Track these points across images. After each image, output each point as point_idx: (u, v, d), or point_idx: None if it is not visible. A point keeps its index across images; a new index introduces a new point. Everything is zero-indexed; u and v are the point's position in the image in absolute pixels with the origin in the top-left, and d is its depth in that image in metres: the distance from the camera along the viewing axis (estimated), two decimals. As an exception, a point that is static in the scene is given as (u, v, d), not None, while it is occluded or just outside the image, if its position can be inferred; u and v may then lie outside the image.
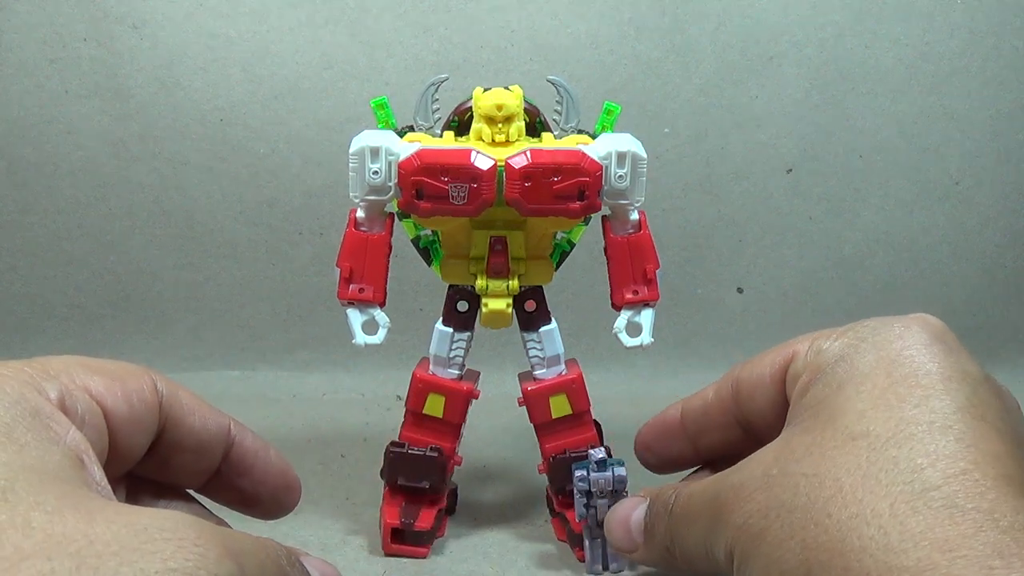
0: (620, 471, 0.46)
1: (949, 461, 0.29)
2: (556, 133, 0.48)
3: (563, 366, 0.49)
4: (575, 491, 0.46)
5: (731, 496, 0.33)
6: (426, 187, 0.45)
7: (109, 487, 0.25)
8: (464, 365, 0.50)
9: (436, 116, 0.48)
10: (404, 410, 0.50)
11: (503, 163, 0.45)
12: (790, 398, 0.37)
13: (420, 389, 0.49)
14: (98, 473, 0.25)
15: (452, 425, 0.49)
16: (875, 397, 0.32)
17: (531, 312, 0.49)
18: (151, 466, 0.31)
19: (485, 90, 0.47)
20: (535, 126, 0.48)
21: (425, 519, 0.49)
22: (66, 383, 0.27)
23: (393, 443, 0.50)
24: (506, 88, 0.47)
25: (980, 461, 0.29)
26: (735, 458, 0.36)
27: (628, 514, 0.41)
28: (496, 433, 0.64)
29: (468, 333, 0.49)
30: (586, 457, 0.46)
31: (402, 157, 0.45)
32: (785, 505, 0.31)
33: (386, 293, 0.48)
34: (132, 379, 0.29)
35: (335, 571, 0.33)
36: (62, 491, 0.23)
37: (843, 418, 0.32)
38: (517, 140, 0.46)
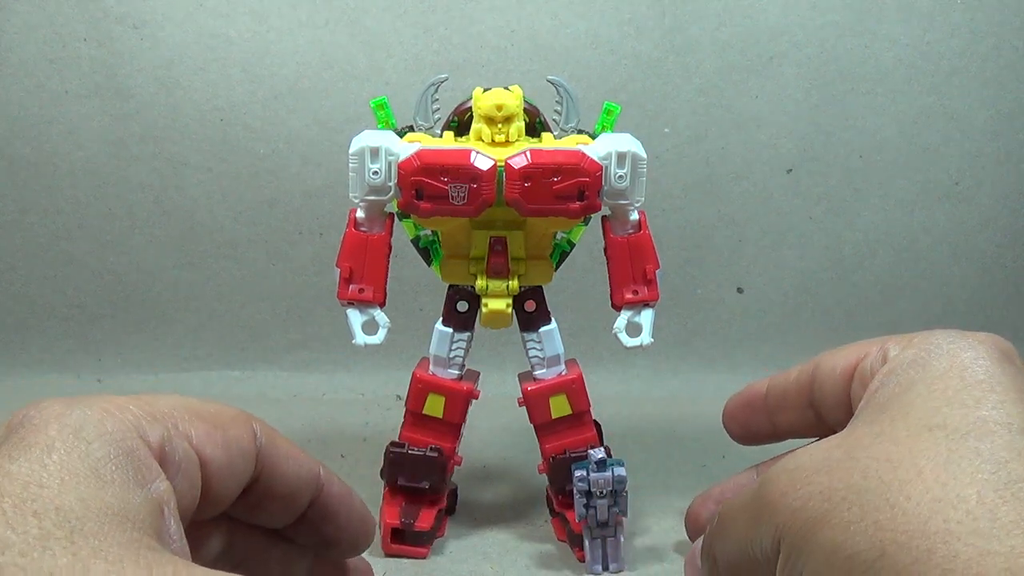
0: (620, 471, 0.46)
1: None
2: (556, 133, 0.48)
3: (563, 366, 0.49)
4: (575, 491, 0.46)
5: (783, 482, 0.31)
6: (426, 187, 0.45)
7: (185, 541, 0.26)
8: (464, 365, 0.50)
9: (436, 116, 0.48)
10: (404, 410, 0.50)
11: (503, 163, 0.45)
12: (853, 399, 0.36)
13: (420, 389, 0.49)
14: (174, 527, 0.25)
15: (452, 425, 0.49)
16: (949, 396, 0.31)
17: (531, 312, 0.49)
18: (240, 508, 0.31)
19: (485, 90, 0.47)
20: (535, 126, 0.48)
21: (425, 519, 0.49)
22: (169, 428, 0.27)
23: (393, 443, 0.50)
24: (506, 88, 0.47)
25: None
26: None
27: (696, 549, 0.40)
28: (496, 433, 0.64)
29: (468, 333, 0.49)
30: (586, 457, 0.47)
31: (402, 157, 0.45)
32: (853, 487, 0.29)
33: (386, 293, 0.48)
34: (233, 426, 0.29)
35: None
36: (129, 538, 0.23)
37: (915, 412, 0.31)
38: (517, 140, 0.46)
